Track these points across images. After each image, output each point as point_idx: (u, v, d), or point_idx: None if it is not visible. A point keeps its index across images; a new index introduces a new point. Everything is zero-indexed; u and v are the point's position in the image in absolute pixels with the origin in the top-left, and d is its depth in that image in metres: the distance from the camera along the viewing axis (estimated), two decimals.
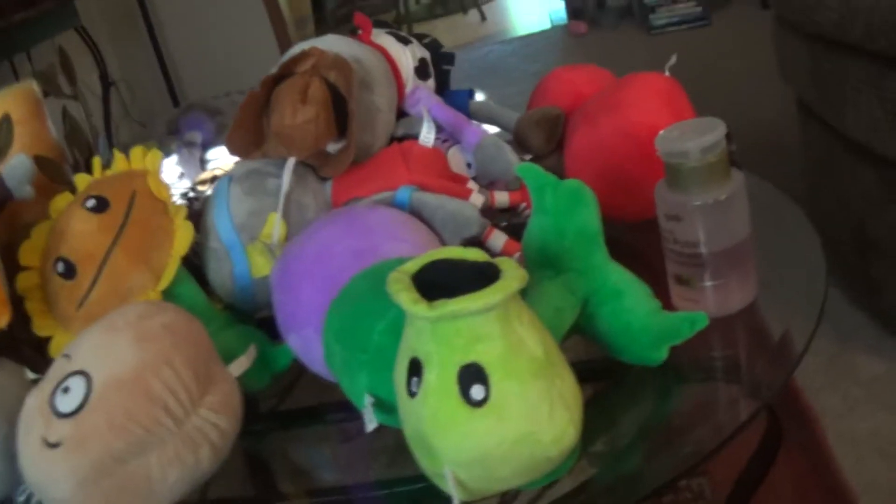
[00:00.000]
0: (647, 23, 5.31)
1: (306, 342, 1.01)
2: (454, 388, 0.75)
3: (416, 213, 1.11)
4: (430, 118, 1.25)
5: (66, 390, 0.89)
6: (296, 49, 1.24)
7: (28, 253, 1.19)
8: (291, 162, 1.15)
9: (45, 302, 1.17)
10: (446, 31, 6.92)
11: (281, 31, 6.00)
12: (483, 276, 0.78)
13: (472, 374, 0.75)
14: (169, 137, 2.04)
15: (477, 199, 1.18)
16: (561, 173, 1.02)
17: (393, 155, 1.22)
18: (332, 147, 1.18)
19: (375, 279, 0.92)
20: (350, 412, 0.93)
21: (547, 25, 6.13)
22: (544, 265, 0.99)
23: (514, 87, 4.71)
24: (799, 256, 1.18)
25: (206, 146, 1.89)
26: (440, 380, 0.75)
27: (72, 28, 4.56)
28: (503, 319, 0.76)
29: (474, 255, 0.84)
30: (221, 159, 1.83)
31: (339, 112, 1.17)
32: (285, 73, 1.20)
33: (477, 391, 0.74)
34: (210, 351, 0.96)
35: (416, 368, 0.78)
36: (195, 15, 5.88)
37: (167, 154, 1.88)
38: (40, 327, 1.15)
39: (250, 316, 1.23)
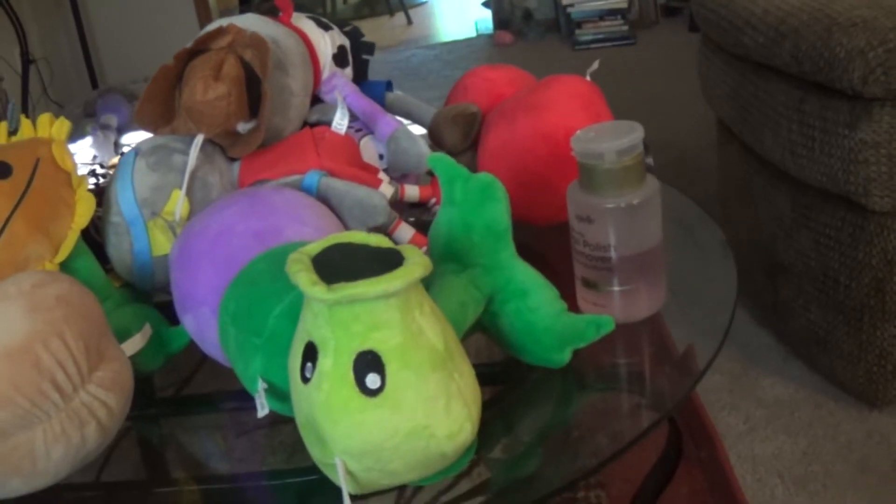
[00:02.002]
0: (572, 38, 5.36)
1: (201, 323, 0.98)
2: (349, 375, 0.73)
3: (323, 198, 1.08)
4: (343, 105, 1.22)
5: None
6: (213, 25, 1.21)
7: None
8: (199, 139, 1.12)
9: None
10: (371, 32, 6.87)
11: (206, 21, 5.95)
12: (386, 262, 0.77)
13: (368, 362, 0.73)
14: (85, 119, 2.00)
15: (387, 189, 1.16)
16: (474, 171, 1.00)
17: (304, 139, 1.19)
18: (243, 127, 1.15)
19: (276, 262, 0.90)
20: (247, 401, 0.90)
21: (472, 34, 6.14)
22: (450, 259, 0.98)
23: (435, 91, 4.72)
24: (710, 272, 1.18)
25: (121, 130, 1.83)
26: (335, 366, 0.73)
27: None
28: (404, 308, 0.75)
29: (377, 240, 0.82)
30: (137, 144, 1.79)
31: (252, 92, 1.14)
32: (200, 48, 1.17)
33: (372, 380, 0.72)
34: (103, 326, 0.93)
35: (311, 353, 0.75)
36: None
37: (82, 136, 1.84)
38: None
39: (148, 296, 1.19)
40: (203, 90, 1.11)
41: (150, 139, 1.18)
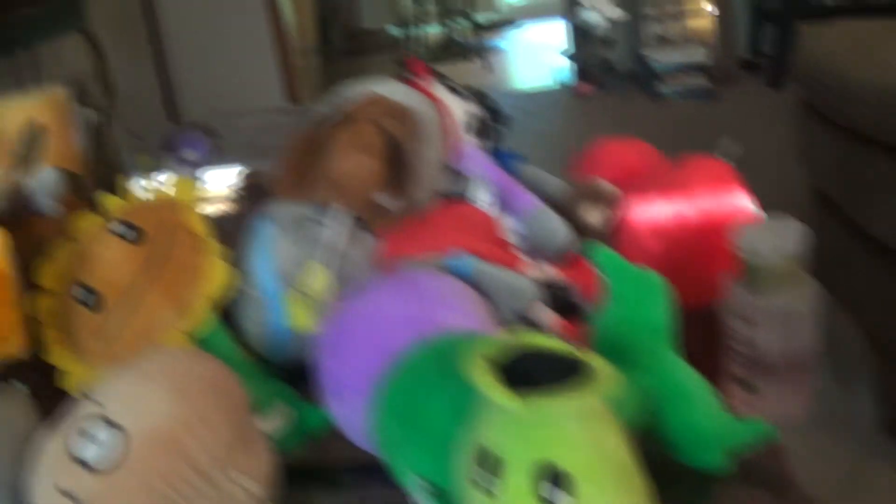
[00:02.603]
0: (653, 90, 5.31)
1: (350, 410, 0.94)
2: (535, 492, 0.68)
3: (472, 281, 1.04)
4: (486, 181, 1.19)
5: (91, 438, 0.82)
6: (354, 90, 1.18)
7: (48, 274, 1.12)
8: (342, 211, 1.09)
9: (60, 328, 1.10)
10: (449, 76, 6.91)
11: (286, 60, 5.99)
12: (570, 370, 0.74)
13: (556, 479, 0.68)
14: (164, 153, 1.99)
15: (533, 273, 1.12)
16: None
17: (447, 215, 1.15)
18: (386, 201, 1.11)
19: (438, 354, 0.87)
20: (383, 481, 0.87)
21: (551, 83, 6.12)
22: (610, 355, 0.93)
23: (516, 142, 4.69)
24: (849, 374, 1.14)
25: (200, 166, 1.79)
26: (520, 481, 0.69)
27: (77, 30, 4.51)
28: (593, 422, 0.71)
29: (557, 345, 0.78)
30: (216, 181, 1.76)
31: (396, 165, 1.11)
32: (343, 115, 1.14)
33: (561, 498, 0.68)
34: (246, 409, 0.90)
35: (488, 461, 0.71)
36: (202, 32, 5.87)
37: (160, 170, 1.83)
38: (55, 356, 1.08)
39: (275, 366, 1.16)
40: (348, 162, 1.08)
41: (286, 207, 1.15)
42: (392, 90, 1.20)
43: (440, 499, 0.81)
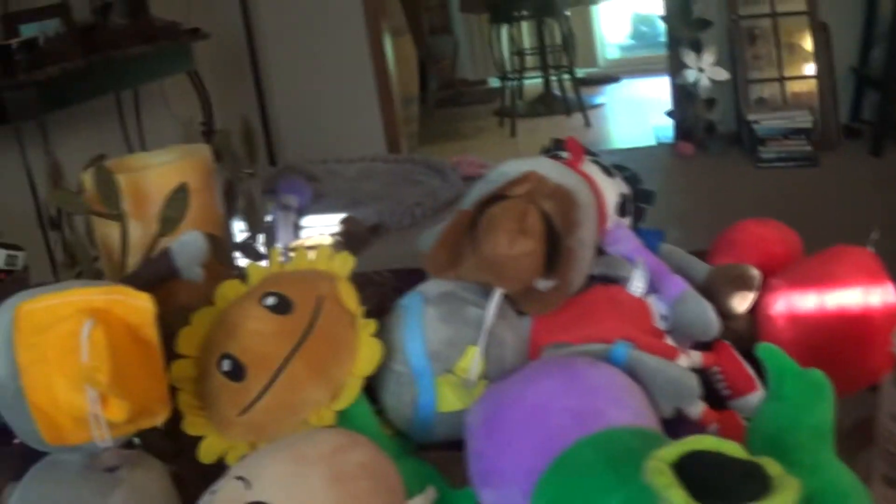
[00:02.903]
0: (754, 154, 5.27)
1: (506, 499, 0.90)
2: None
3: (630, 371, 1.01)
4: (643, 266, 1.16)
5: None
6: (512, 168, 1.15)
7: (187, 341, 1.10)
8: (499, 293, 1.07)
9: (198, 397, 1.08)
10: (548, 131, 6.90)
11: (388, 108, 6.03)
12: (752, 478, 0.73)
13: None
14: (264, 197, 2.00)
15: (685, 361, 1.08)
16: (750, 336, 0.94)
17: (601, 300, 1.13)
18: (542, 284, 1.09)
19: (604, 450, 0.85)
20: None
21: (652, 142, 6.09)
22: (770, 453, 0.90)
23: None
24: None
25: (301, 211, 1.78)
26: None
27: (184, 71, 4.64)
28: None
29: (733, 449, 0.76)
30: (317, 227, 1.76)
31: (553, 247, 1.08)
32: (502, 194, 1.11)
33: None
34: (401, 494, 0.87)
35: None
36: (305, 77, 5.94)
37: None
38: (192, 426, 1.07)
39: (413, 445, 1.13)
40: (508, 244, 1.06)
41: (435, 284, 1.13)
42: (549, 169, 1.17)
43: None
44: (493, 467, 0.93)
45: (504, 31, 7.68)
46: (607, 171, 1.30)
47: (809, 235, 1.44)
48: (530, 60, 7.75)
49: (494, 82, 8.40)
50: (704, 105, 5.63)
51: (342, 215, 1.85)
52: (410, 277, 1.23)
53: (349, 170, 5.56)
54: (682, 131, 5.81)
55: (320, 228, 1.75)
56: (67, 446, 0.93)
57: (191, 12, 4.66)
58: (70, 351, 0.89)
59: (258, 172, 1.40)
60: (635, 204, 1.34)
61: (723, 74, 5.43)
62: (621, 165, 1.39)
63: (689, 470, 0.73)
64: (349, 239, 1.58)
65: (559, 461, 0.86)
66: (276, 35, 5.88)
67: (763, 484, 0.71)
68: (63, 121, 3.74)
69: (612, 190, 1.27)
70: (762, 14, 5.50)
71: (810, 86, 5.47)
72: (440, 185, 5.08)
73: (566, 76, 7.54)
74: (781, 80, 5.50)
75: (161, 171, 1.26)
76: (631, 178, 1.35)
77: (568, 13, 7.45)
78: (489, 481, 0.94)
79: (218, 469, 0.95)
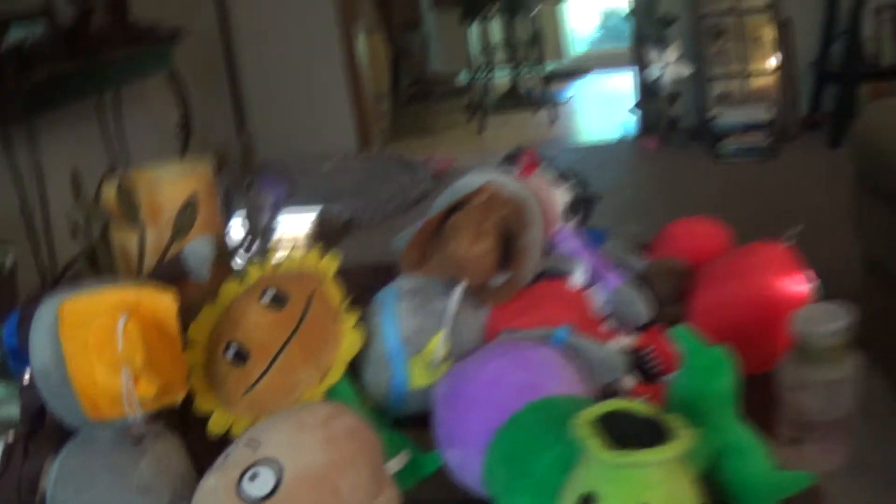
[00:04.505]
0: (715, 148, 5.42)
1: (466, 459, 1.11)
2: None
3: (568, 352, 1.21)
4: (583, 263, 1.36)
5: (253, 477, 0.99)
6: (473, 181, 1.35)
7: (197, 331, 1.29)
8: (461, 287, 1.26)
9: (206, 379, 1.27)
10: (516, 127, 7.07)
11: (359, 105, 6.16)
12: (656, 430, 0.91)
13: None
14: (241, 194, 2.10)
15: (619, 344, 1.28)
16: (682, 320, 1.14)
17: (547, 292, 1.33)
18: (497, 279, 1.29)
19: (546, 413, 1.05)
20: None
21: (614, 135, 6.25)
22: (683, 416, 1.10)
23: None
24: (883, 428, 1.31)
25: (277, 206, 1.93)
26: None
27: (164, 73, 4.74)
28: (672, 471, 0.89)
29: (644, 408, 0.95)
30: (291, 223, 1.90)
31: (507, 247, 1.28)
32: (460, 203, 1.31)
33: None
34: (381, 454, 1.06)
35: (588, 502, 0.89)
36: (279, 75, 6.05)
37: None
38: (202, 403, 1.25)
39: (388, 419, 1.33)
40: (469, 245, 1.25)
41: (407, 280, 1.33)
42: (504, 181, 1.37)
43: None
44: (454, 431, 1.13)
45: (474, 26, 7.82)
46: (557, 178, 1.50)
47: (762, 225, 1.64)
48: (500, 56, 7.90)
49: (464, 78, 8.55)
50: (668, 100, 5.80)
51: (317, 211, 2.02)
52: (384, 272, 1.43)
53: (323, 166, 5.71)
54: (647, 126, 5.99)
55: (297, 223, 1.92)
56: (103, 421, 1.11)
57: (169, 14, 4.76)
58: (108, 341, 1.07)
59: (256, 184, 1.58)
60: (582, 207, 1.54)
61: (685, 71, 5.60)
62: (572, 171, 1.58)
63: (606, 425, 0.92)
64: (324, 233, 1.75)
65: (507, 424, 1.06)
66: (252, 35, 6.00)
67: (663, 433, 0.90)
68: (45, 122, 3.82)
69: (559, 197, 1.47)
70: (726, 10, 5.67)
71: (772, 80, 5.65)
72: (410, 182, 5.26)
73: (535, 72, 7.71)
74: (744, 75, 5.68)
75: (172, 184, 1.45)
76: (579, 184, 1.55)
77: (538, 8, 7.58)
78: (452, 443, 1.13)
79: (220, 444, 1.14)
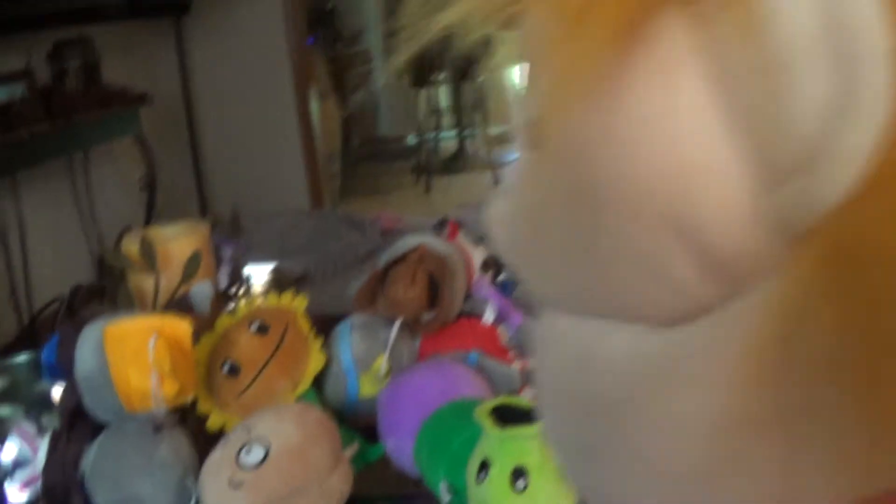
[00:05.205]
0: None
1: (401, 444, 1.50)
2: (507, 480, 1.26)
3: (479, 370, 1.62)
4: (493, 306, 1.78)
5: (248, 451, 1.39)
6: (409, 242, 1.77)
7: (199, 352, 1.70)
8: (398, 322, 1.68)
9: (206, 388, 1.68)
10: (462, 188, 7.34)
11: (312, 165, 6.40)
12: (530, 414, 1.31)
13: (519, 472, 1.26)
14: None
15: (518, 365, 1.71)
16: None
17: (465, 327, 1.75)
18: (426, 316, 1.71)
19: (459, 409, 1.45)
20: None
21: None
22: None
23: None
24: None
25: (233, 261, 2.18)
26: (499, 474, 1.26)
27: (133, 133, 4.97)
28: (542, 441, 1.29)
29: (526, 402, 1.37)
30: (250, 276, 2.19)
31: (435, 293, 1.70)
32: (400, 258, 1.74)
33: (521, 483, 1.25)
34: (339, 440, 1.46)
35: (484, 466, 1.29)
36: (237, 136, 6.24)
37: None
38: (203, 406, 1.65)
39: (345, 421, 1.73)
40: (405, 291, 1.67)
41: (359, 316, 1.74)
42: (433, 242, 1.80)
43: (457, 495, 1.39)
44: (393, 424, 1.52)
45: (423, 91, 8.09)
46: (475, 240, 1.93)
47: None
48: (447, 120, 8.18)
49: (412, 140, 8.76)
50: None
51: (271, 266, 2.35)
52: (338, 322, 1.83)
53: (276, 223, 5.96)
54: None
55: (254, 277, 2.26)
56: (134, 413, 1.50)
57: (137, 77, 5.00)
58: (142, 353, 1.45)
59: (241, 242, 1.99)
60: (494, 264, 1.97)
61: None
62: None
63: (499, 413, 1.34)
64: (278, 287, 2.11)
65: (431, 418, 1.45)
66: (212, 99, 6.10)
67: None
68: (23, 178, 4.04)
69: (478, 254, 1.89)
70: None
71: None
72: (360, 239, 5.55)
73: (480, 134, 7.98)
74: None
75: (180, 240, 1.87)
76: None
77: (485, 75, 7.82)
78: (390, 433, 1.52)
79: (215, 438, 1.48)
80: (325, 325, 1.79)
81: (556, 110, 0.49)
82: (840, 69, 0.37)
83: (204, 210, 6.15)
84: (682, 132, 0.43)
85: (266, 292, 2.21)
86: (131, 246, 1.79)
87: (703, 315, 0.46)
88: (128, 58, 5.11)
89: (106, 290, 1.84)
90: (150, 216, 5.00)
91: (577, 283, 0.53)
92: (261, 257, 2.94)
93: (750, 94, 0.40)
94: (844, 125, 0.37)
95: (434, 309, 1.71)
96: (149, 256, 1.74)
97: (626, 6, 0.43)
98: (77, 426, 1.57)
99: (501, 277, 1.97)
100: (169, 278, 1.79)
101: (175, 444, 1.50)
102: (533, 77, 0.53)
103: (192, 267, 1.77)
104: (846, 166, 0.38)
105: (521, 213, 0.57)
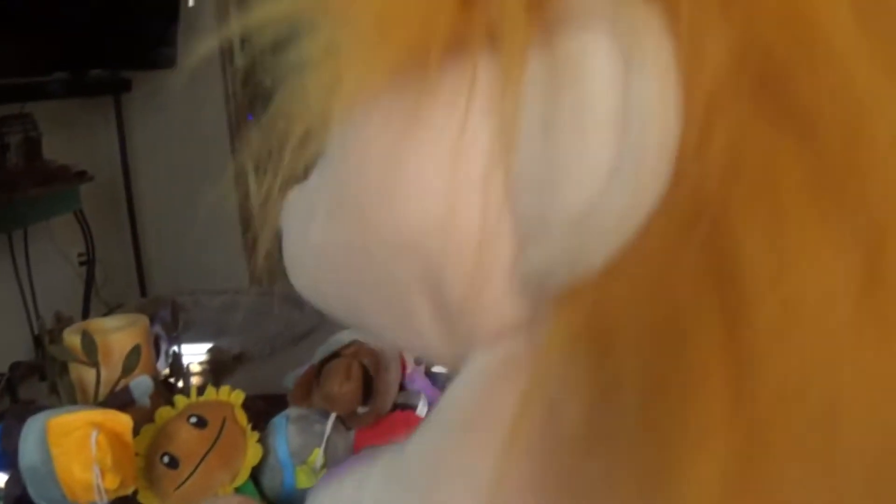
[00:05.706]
0: None
1: None
2: None
3: None
4: (425, 399, 1.85)
5: None
6: (343, 338, 1.84)
7: (139, 444, 1.75)
8: (333, 416, 1.74)
9: (146, 480, 1.73)
10: None
11: (251, 241, 6.44)
12: None
13: None
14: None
15: None
16: None
17: (399, 419, 1.81)
18: (360, 410, 1.77)
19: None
20: None
21: None
22: None
23: None
24: None
25: (172, 355, 2.17)
26: None
27: (73, 210, 5.03)
28: None
29: None
30: (186, 356, 2.24)
31: (368, 387, 1.77)
32: (335, 353, 1.80)
33: None
34: None
35: None
36: (175, 214, 6.25)
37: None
38: (144, 497, 1.70)
39: None
40: (339, 385, 1.73)
41: (295, 410, 1.80)
42: (367, 337, 1.86)
43: None
44: None
45: None
46: None
47: None
48: None
49: None
50: None
51: (209, 345, 2.38)
52: (276, 401, 1.90)
53: (214, 301, 6.01)
54: None
55: (190, 356, 2.31)
56: None
57: (78, 154, 5.06)
58: (84, 448, 1.51)
59: (180, 336, 2.05)
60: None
61: None
62: None
63: None
64: (216, 367, 2.16)
65: None
66: (152, 176, 6.16)
67: None
68: None
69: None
70: None
71: None
72: (298, 318, 5.61)
73: None
74: None
75: (120, 334, 1.93)
76: None
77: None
78: None
79: None
80: (262, 405, 1.85)
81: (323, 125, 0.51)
82: (623, 142, 0.39)
83: (143, 287, 6.18)
84: (453, 190, 0.44)
85: (204, 374, 2.27)
86: (73, 339, 1.84)
87: (454, 363, 0.50)
88: (68, 135, 5.17)
89: (46, 372, 1.89)
90: (89, 293, 5.04)
91: (361, 320, 0.58)
92: (198, 337, 2.99)
93: (537, 149, 0.41)
94: (614, 193, 0.39)
95: (368, 402, 1.77)
96: (90, 351, 1.79)
97: (426, 30, 0.42)
98: None
99: (434, 368, 2.04)
100: (109, 371, 1.84)
101: None
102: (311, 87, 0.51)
103: (132, 360, 1.82)
104: (606, 235, 0.39)
105: (308, 252, 0.62)
